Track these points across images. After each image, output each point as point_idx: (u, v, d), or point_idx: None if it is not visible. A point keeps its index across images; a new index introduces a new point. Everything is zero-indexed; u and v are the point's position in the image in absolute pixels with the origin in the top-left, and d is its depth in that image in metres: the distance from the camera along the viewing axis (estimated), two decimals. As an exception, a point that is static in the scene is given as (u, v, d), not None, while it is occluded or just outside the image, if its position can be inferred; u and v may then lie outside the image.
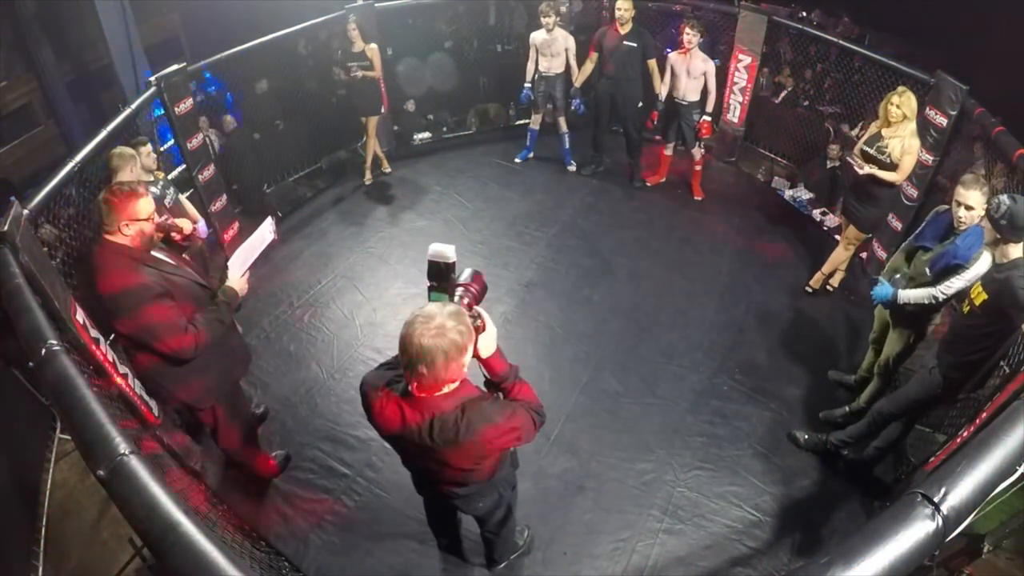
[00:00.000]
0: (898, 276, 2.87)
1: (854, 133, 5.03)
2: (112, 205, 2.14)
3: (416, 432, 1.62)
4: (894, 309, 2.91)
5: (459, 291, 1.70)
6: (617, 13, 4.80)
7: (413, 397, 1.60)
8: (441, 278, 1.69)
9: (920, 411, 2.82)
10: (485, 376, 1.79)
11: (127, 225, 2.16)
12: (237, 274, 2.49)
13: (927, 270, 2.74)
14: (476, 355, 1.66)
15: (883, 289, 2.84)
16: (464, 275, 1.76)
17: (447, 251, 1.67)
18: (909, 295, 2.76)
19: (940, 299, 2.66)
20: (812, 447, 3.19)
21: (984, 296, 2.33)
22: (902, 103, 3.39)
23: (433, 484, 2.02)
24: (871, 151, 3.54)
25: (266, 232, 2.65)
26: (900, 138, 3.45)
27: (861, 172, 3.53)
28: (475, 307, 1.69)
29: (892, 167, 3.50)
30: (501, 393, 1.79)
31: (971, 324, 2.43)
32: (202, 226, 3.56)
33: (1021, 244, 2.27)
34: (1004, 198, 2.22)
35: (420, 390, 1.58)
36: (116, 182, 2.31)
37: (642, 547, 2.81)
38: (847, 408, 3.32)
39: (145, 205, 2.19)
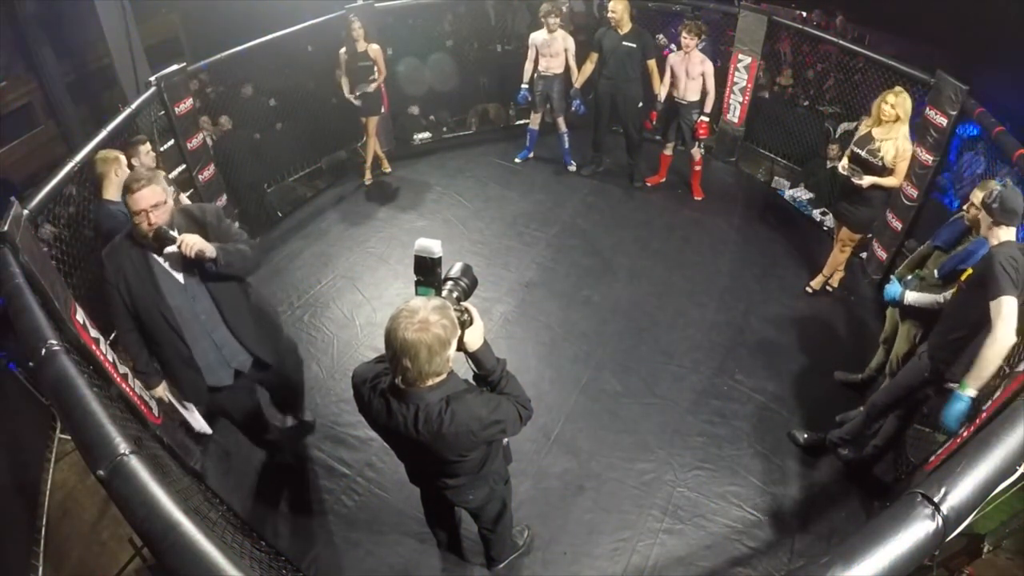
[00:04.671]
0: (910, 277, 2.94)
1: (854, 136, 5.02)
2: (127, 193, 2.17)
3: (402, 424, 1.66)
4: (902, 308, 2.96)
5: (448, 285, 1.72)
6: (609, 15, 4.81)
7: (399, 390, 1.63)
8: (427, 273, 1.70)
9: (913, 399, 2.80)
10: (472, 370, 1.80)
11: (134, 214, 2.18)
12: None
13: (935, 272, 2.79)
14: (463, 349, 1.68)
15: (893, 288, 2.93)
16: (454, 269, 1.77)
17: (433, 246, 1.68)
18: (915, 298, 2.82)
19: (942, 304, 2.69)
20: (811, 446, 3.19)
21: (970, 271, 2.46)
22: (897, 103, 3.37)
23: (424, 475, 2.06)
24: (862, 154, 3.52)
25: None
26: (892, 140, 3.42)
27: (865, 184, 3.50)
28: (463, 301, 1.71)
29: (883, 169, 3.49)
30: (488, 387, 1.81)
31: (956, 302, 2.52)
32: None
33: (1013, 229, 2.38)
34: (997, 184, 2.41)
35: (405, 383, 1.60)
36: (133, 173, 2.29)
37: (642, 547, 2.81)
38: (861, 410, 3.31)
39: (135, 200, 2.14)
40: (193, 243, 2.17)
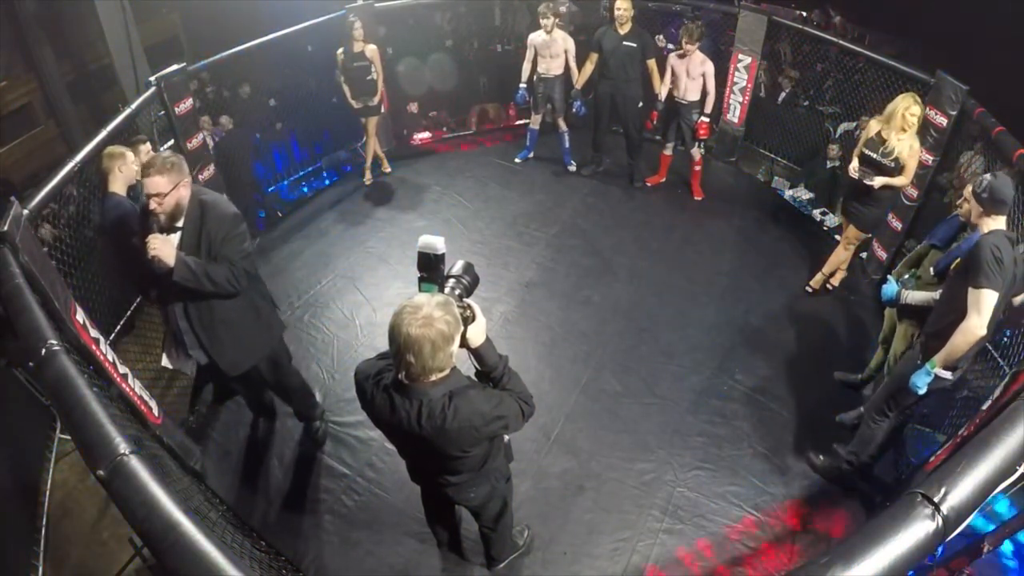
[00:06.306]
0: (907, 276, 2.94)
1: (855, 135, 5.02)
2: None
3: (405, 419, 1.67)
4: (899, 308, 2.96)
5: (451, 282, 1.74)
6: (616, 13, 4.81)
7: (402, 385, 1.64)
8: (431, 269, 1.73)
9: (909, 391, 2.75)
10: (475, 367, 1.81)
11: None
12: None
13: (931, 270, 2.80)
14: (465, 345, 1.69)
15: (890, 288, 2.93)
16: (456, 267, 1.79)
17: (436, 242, 1.70)
18: (912, 297, 2.84)
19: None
20: (827, 469, 3.09)
21: (959, 260, 2.47)
22: (919, 115, 3.38)
23: (425, 472, 2.06)
24: (874, 156, 3.53)
25: None
26: (905, 140, 3.45)
27: (877, 185, 3.51)
28: (465, 298, 1.72)
29: (894, 169, 3.50)
30: (491, 383, 1.82)
31: (947, 289, 2.53)
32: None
33: (1003, 218, 2.41)
34: (987, 175, 2.41)
35: (408, 378, 1.62)
36: (152, 158, 2.40)
37: (642, 547, 2.81)
38: (861, 409, 3.28)
39: (143, 183, 2.30)
40: (155, 247, 2.27)
